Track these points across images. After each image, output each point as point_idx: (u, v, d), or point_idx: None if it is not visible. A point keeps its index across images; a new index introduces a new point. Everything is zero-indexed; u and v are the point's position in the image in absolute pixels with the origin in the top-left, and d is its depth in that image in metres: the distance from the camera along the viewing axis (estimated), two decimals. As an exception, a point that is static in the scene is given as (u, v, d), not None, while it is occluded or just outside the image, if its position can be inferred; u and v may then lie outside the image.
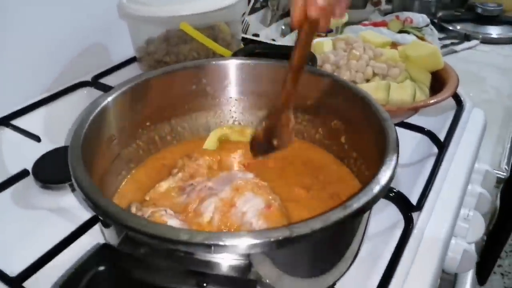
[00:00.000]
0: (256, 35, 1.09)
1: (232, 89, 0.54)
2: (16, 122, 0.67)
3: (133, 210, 0.43)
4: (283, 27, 1.29)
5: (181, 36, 0.78)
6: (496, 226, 0.93)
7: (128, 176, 0.50)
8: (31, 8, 0.72)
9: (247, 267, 0.31)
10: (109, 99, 0.44)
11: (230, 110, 0.56)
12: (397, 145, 0.40)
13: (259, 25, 1.24)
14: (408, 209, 0.54)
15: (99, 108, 0.42)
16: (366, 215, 0.40)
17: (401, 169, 0.64)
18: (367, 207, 0.34)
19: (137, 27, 0.79)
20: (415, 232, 0.52)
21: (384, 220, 0.53)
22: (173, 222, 0.42)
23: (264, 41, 0.99)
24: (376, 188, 0.34)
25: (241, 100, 0.56)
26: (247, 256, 0.31)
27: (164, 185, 0.47)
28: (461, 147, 0.67)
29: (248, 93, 0.55)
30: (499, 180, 0.76)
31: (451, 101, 0.79)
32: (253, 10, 1.27)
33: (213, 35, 0.81)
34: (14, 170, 0.56)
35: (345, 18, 1.35)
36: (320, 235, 0.30)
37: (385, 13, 1.60)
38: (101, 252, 0.31)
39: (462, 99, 0.79)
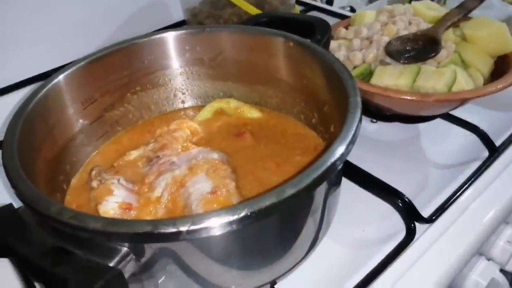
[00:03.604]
0: (331, 1, 1.00)
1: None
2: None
3: (93, 173, 0.44)
4: (371, -6, 1.17)
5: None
6: None
7: (112, 138, 0.50)
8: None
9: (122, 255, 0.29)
10: (66, 73, 0.44)
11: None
12: (352, 135, 0.33)
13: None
14: (411, 218, 0.46)
15: (56, 79, 0.43)
16: (318, 195, 0.35)
17: (436, 169, 0.55)
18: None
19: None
20: (418, 245, 0.45)
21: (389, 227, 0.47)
22: (120, 192, 0.41)
23: (331, 9, 0.90)
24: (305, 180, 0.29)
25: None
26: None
27: (134, 154, 0.46)
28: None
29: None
30: None
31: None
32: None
33: (262, -1, 0.76)
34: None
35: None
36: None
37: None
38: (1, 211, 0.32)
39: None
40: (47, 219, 0.28)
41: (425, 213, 0.47)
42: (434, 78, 0.49)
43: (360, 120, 0.35)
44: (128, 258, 0.29)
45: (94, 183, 0.43)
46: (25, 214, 0.32)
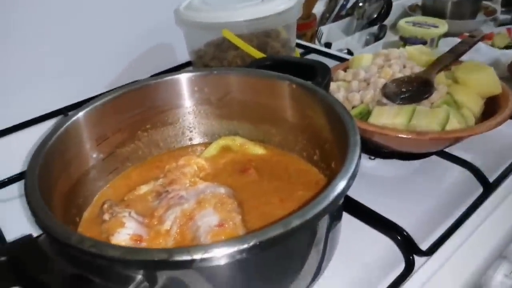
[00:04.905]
0: (329, 44, 1.05)
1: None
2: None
3: (105, 207, 0.46)
4: (367, 37, 1.23)
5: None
6: None
7: (122, 173, 0.52)
8: (103, 11, 0.81)
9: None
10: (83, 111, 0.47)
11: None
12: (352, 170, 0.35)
13: (340, 33, 1.20)
14: (410, 251, 0.47)
15: (75, 117, 0.45)
16: (321, 227, 0.37)
17: (433, 204, 0.57)
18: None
19: (191, 33, 0.82)
20: (417, 277, 0.46)
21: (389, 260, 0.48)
22: (131, 224, 0.43)
23: (330, 51, 0.94)
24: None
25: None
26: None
27: (144, 188, 0.49)
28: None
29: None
30: None
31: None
32: (337, 18, 1.23)
33: (265, 42, 0.80)
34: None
35: (444, 29, 1.23)
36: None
37: (501, 24, 1.41)
38: (21, 242, 0.33)
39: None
40: (68, 248, 0.30)
41: (423, 246, 0.49)
42: (428, 117, 0.52)
43: (360, 157, 0.38)
44: (142, 285, 0.30)
45: (106, 216, 0.44)
46: (43, 244, 0.34)
